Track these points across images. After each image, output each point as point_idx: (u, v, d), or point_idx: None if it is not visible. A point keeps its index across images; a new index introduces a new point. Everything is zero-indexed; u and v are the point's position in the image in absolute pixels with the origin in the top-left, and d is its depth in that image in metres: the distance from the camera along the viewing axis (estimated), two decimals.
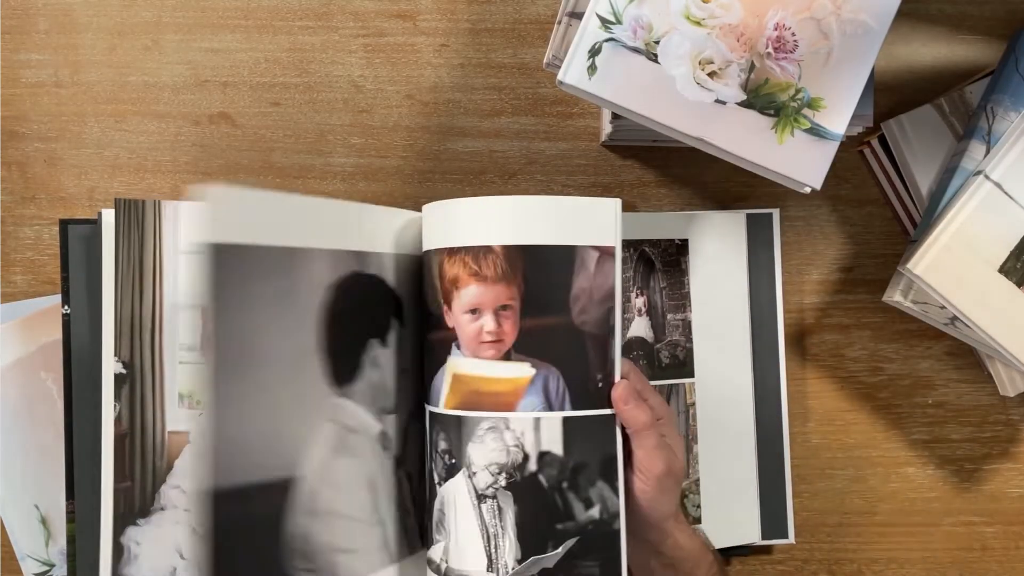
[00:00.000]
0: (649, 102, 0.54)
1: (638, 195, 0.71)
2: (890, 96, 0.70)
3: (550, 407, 0.50)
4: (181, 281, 0.61)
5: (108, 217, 0.57)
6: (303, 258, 0.49)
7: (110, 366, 0.55)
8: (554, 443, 0.50)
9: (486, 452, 0.50)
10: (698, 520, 0.68)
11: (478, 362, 0.51)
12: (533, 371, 0.50)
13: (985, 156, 0.63)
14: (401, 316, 0.55)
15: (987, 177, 0.61)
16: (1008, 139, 0.62)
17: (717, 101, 0.54)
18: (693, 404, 0.69)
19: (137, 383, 0.60)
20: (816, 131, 0.55)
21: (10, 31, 0.69)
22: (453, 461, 0.51)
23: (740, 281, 0.70)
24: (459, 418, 0.51)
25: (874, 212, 0.72)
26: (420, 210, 0.55)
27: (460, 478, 0.51)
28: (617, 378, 0.52)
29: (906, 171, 0.68)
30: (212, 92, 0.70)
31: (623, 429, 0.52)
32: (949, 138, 0.67)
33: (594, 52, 0.54)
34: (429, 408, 0.53)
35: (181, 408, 0.61)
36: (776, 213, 0.70)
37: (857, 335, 0.72)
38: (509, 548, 0.50)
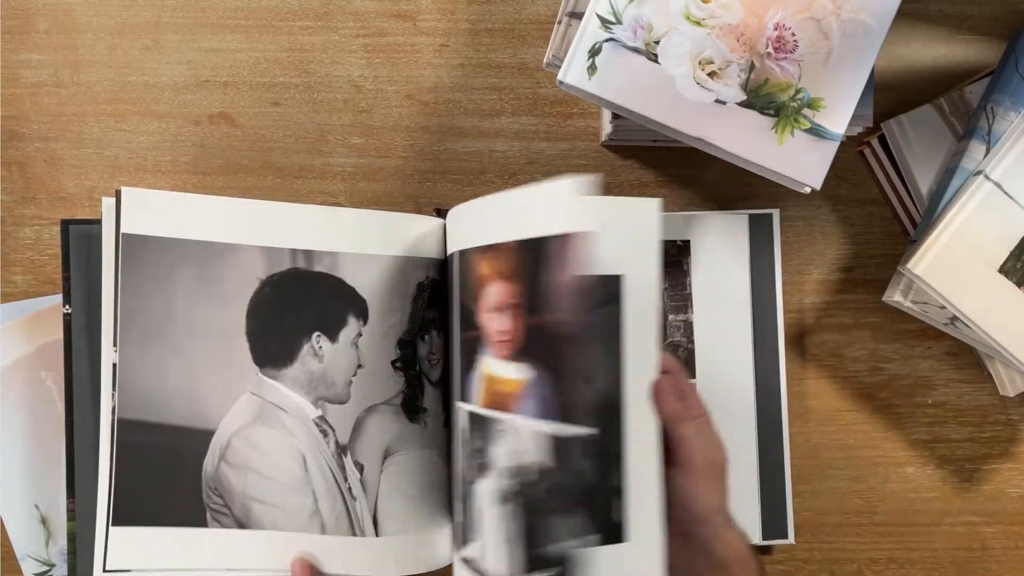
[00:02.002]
0: (649, 102, 0.54)
1: (638, 195, 0.71)
2: (890, 96, 0.70)
3: (547, 411, 0.48)
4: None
5: (109, 203, 0.58)
6: (230, 252, 0.56)
7: (109, 355, 0.55)
8: (545, 452, 0.48)
9: (503, 454, 0.50)
10: None
11: (495, 361, 0.51)
12: (533, 372, 0.49)
13: (985, 156, 0.63)
14: (365, 315, 0.58)
15: (987, 177, 0.61)
16: (1008, 139, 0.62)
17: (717, 101, 0.54)
18: None
19: None
20: (816, 131, 0.55)
21: (10, 31, 0.69)
22: (483, 460, 0.51)
23: (742, 282, 0.70)
24: (484, 418, 0.51)
25: (874, 212, 0.72)
26: (420, 211, 0.55)
27: (487, 478, 0.52)
28: (655, 374, 0.52)
29: (906, 171, 0.68)
30: (212, 92, 0.70)
31: (663, 422, 0.53)
32: (949, 138, 0.67)
33: (594, 52, 0.54)
34: (461, 405, 0.54)
35: None
36: (776, 213, 0.70)
37: (857, 335, 0.72)
38: (518, 550, 0.50)
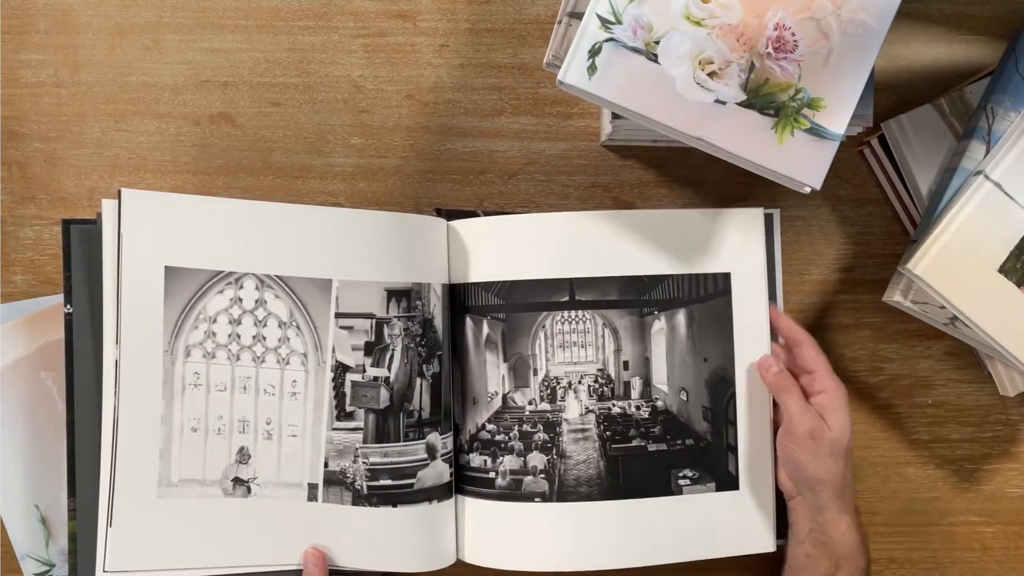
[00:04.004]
0: (649, 102, 0.54)
1: (638, 195, 0.71)
2: (890, 96, 0.70)
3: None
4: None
5: (108, 207, 0.58)
6: None
7: (111, 354, 0.55)
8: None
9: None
10: None
11: None
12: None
13: (985, 156, 0.63)
14: None
15: (987, 177, 0.61)
16: (1008, 139, 0.62)
17: (717, 101, 0.54)
18: None
19: None
20: (816, 131, 0.55)
21: (10, 31, 0.69)
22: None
23: None
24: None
25: (874, 212, 0.72)
26: (420, 211, 0.55)
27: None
28: (766, 350, 0.64)
29: (906, 171, 0.68)
30: (212, 92, 0.70)
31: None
32: (949, 138, 0.67)
33: (594, 52, 0.54)
34: None
35: None
36: (776, 213, 0.70)
37: (857, 335, 0.72)
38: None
